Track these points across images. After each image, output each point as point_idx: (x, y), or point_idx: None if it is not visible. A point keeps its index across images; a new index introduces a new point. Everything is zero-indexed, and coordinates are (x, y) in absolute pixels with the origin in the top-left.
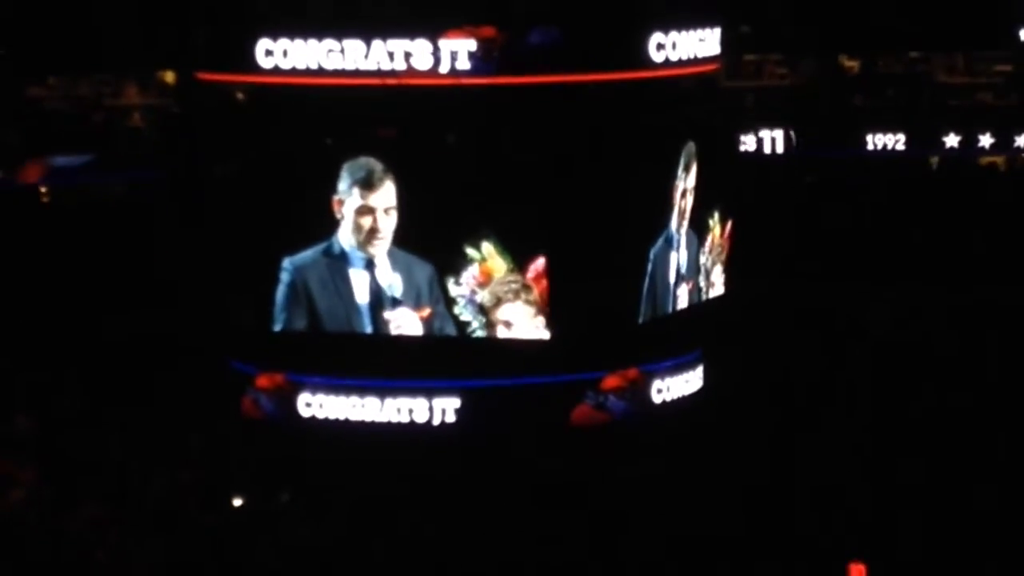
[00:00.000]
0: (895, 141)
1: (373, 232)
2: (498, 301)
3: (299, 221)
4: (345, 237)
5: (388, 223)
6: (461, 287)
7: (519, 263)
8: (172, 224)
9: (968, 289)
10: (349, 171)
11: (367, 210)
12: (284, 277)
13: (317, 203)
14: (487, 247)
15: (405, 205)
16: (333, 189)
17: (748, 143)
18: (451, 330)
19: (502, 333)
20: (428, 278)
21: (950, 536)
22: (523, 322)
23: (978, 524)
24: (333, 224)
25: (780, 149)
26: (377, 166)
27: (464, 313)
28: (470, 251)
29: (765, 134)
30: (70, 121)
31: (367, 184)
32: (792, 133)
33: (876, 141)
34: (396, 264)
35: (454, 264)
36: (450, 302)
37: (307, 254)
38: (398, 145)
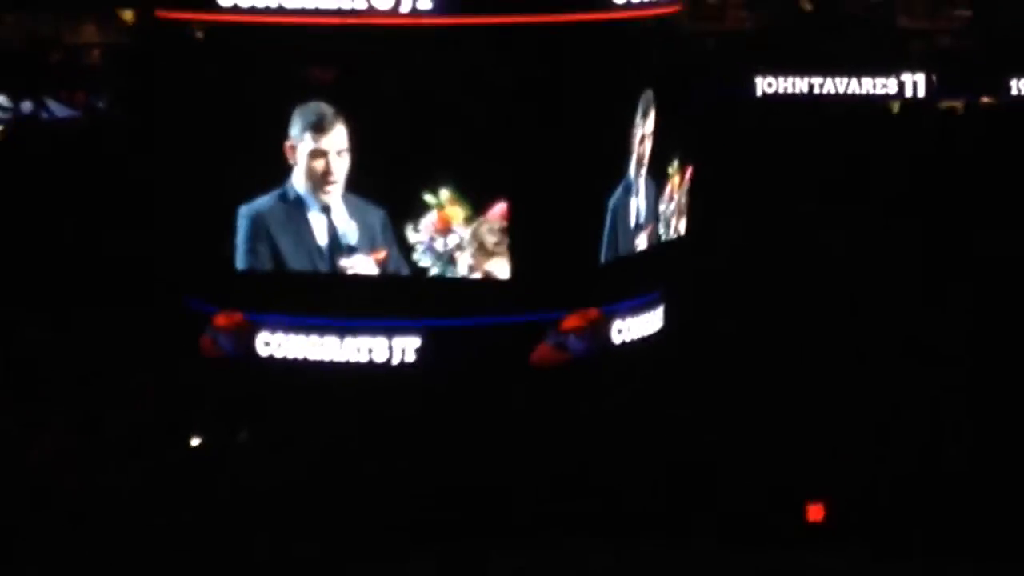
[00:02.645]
0: None
1: (326, 175)
2: (481, 246)
3: (252, 167)
4: (299, 182)
5: (341, 165)
6: (420, 233)
7: (477, 209)
8: (125, 163)
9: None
10: (300, 115)
11: (320, 153)
12: (242, 223)
13: (269, 148)
14: (445, 193)
15: (357, 148)
16: (285, 135)
17: (890, 86)
18: (406, 272)
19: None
20: (381, 222)
21: (910, 475)
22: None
23: (937, 460)
24: (286, 169)
25: (922, 93)
26: (328, 110)
27: (423, 259)
28: (428, 197)
29: (907, 77)
30: (28, 58)
31: (318, 127)
32: (934, 77)
33: (1021, 87)
34: (351, 210)
35: (412, 210)
36: (409, 248)
37: (263, 200)
38: (348, 89)
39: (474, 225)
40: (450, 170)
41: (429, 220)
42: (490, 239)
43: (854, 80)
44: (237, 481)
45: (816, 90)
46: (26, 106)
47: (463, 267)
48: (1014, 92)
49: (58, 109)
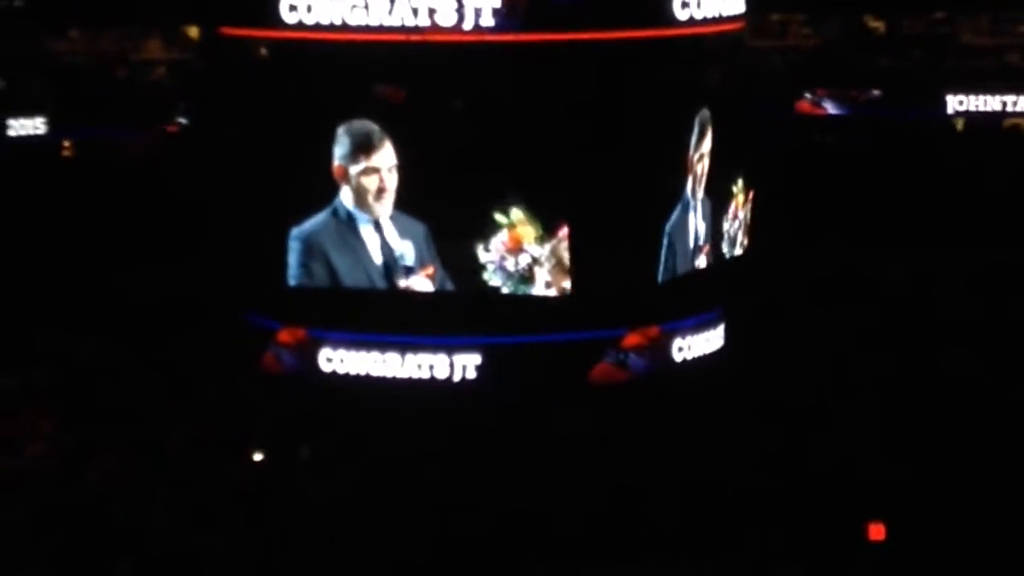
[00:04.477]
0: None
1: (381, 191)
2: (559, 263)
3: (300, 187)
4: (347, 199)
5: (392, 180)
6: (490, 253)
7: (548, 228)
8: (188, 180)
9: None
10: (346, 135)
11: (372, 170)
12: (295, 246)
13: (316, 167)
14: (516, 213)
15: (405, 165)
16: (330, 155)
17: None
18: (451, 287)
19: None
20: (424, 237)
21: (969, 496)
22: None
23: (996, 482)
24: (334, 188)
25: None
26: (374, 128)
27: (494, 278)
28: (498, 217)
29: None
30: (92, 75)
31: (367, 147)
32: None
33: None
34: (402, 230)
35: (483, 230)
36: (479, 268)
37: (317, 219)
38: (401, 106)
39: (552, 243)
40: (520, 190)
41: (500, 239)
42: (568, 256)
43: None
44: (298, 496)
45: (1008, 107)
46: None
47: (540, 284)
48: None
49: None
